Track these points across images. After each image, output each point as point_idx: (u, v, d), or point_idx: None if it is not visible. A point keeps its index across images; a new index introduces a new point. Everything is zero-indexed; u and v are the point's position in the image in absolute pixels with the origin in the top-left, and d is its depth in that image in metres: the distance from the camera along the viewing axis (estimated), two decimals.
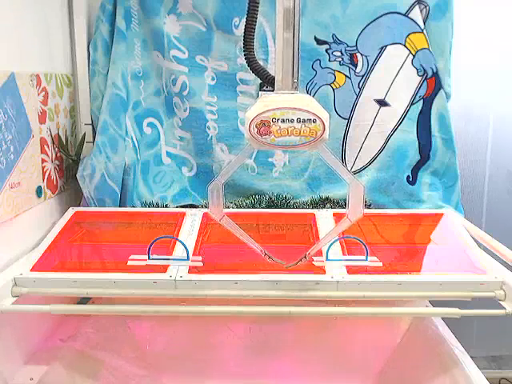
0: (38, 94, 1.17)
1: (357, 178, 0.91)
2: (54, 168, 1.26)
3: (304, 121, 0.82)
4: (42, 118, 1.19)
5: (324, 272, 1.00)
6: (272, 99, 0.85)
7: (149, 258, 1.02)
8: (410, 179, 1.39)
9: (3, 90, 1.01)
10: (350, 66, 1.37)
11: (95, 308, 1.01)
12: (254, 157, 1.41)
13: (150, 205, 1.35)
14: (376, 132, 1.39)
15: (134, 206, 1.33)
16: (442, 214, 1.28)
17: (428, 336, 1.15)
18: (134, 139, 1.35)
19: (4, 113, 1.02)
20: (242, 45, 0.98)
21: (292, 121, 0.82)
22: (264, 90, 1.38)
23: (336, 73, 1.38)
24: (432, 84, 1.36)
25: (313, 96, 1.38)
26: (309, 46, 1.35)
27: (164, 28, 1.34)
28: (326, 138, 0.84)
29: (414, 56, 1.35)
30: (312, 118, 0.82)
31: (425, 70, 1.36)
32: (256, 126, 0.83)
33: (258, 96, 1.38)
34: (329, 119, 0.84)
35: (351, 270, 1.00)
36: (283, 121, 0.82)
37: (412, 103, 1.38)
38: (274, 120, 0.82)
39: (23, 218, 1.10)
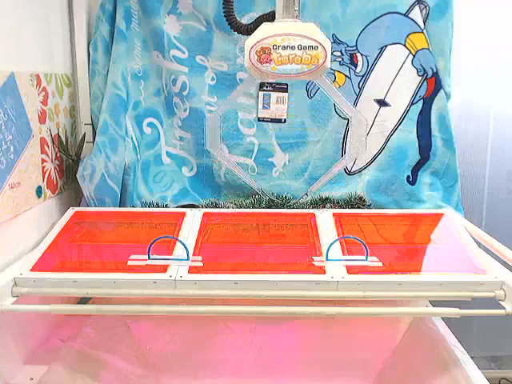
0: (38, 94, 1.17)
1: (359, 112, 0.91)
2: (54, 168, 1.26)
3: (306, 48, 0.80)
4: (42, 118, 1.19)
5: (324, 272, 1.00)
6: (273, 26, 0.81)
7: (149, 257, 1.02)
8: (410, 179, 1.39)
9: (3, 90, 1.01)
10: (350, 66, 1.37)
11: (95, 308, 1.01)
12: (254, 157, 1.41)
13: (150, 205, 1.35)
14: (376, 132, 1.39)
15: (134, 206, 1.33)
16: (441, 214, 1.28)
17: (428, 336, 1.15)
18: (134, 139, 1.35)
19: (4, 113, 1.02)
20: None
21: (293, 47, 0.80)
22: (264, 90, 1.39)
23: (336, 73, 1.38)
24: (432, 84, 1.36)
25: (313, 96, 1.39)
26: None
27: (164, 28, 1.34)
28: (328, 67, 0.82)
29: (414, 56, 1.35)
30: (314, 44, 0.80)
31: (425, 70, 1.36)
32: (256, 54, 0.80)
33: (258, 96, 1.39)
34: (330, 47, 0.82)
35: (351, 270, 1.00)
36: (284, 48, 0.80)
37: (412, 103, 1.38)
38: (274, 47, 0.79)
39: (23, 218, 1.10)
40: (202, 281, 0.98)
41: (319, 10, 1.33)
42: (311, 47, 0.80)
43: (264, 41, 0.79)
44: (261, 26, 0.82)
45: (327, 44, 0.80)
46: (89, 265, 1.08)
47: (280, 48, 0.80)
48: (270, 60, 0.80)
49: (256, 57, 0.80)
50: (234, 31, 0.91)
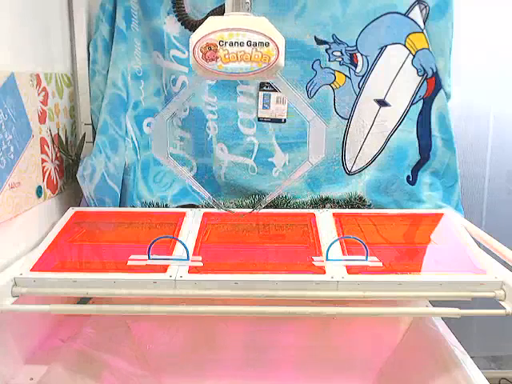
0: (38, 94, 1.17)
1: (319, 116, 0.87)
2: (54, 168, 1.26)
3: (255, 44, 0.73)
4: (42, 118, 1.19)
5: (324, 272, 1.00)
6: (220, 20, 0.74)
7: (149, 257, 1.02)
8: (410, 179, 1.40)
9: (3, 90, 1.01)
10: (350, 65, 1.37)
11: (95, 308, 1.01)
12: (254, 157, 1.41)
13: (150, 205, 1.35)
14: (376, 132, 1.39)
15: (134, 206, 1.33)
16: (441, 214, 1.28)
17: (428, 336, 1.15)
18: (134, 139, 1.35)
19: (4, 113, 1.02)
20: None
21: (242, 44, 0.73)
22: (264, 90, 1.39)
23: (336, 73, 1.38)
24: (432, 84, 1.36)
25: (313, 96, 1.39)
26: (309, 46, 1.35)
27: (164, 28, 1.33)
28: (281, 65, 0.76)
29: (414, 56, 1.35)
30: (264, 40, 0.73)
31: (425, 70, 1.36)
32: (201, 51, 0.73)
33: (258, 96, 1.39)
34: (284, 44, 0.75)
35: (351, 270, 1.00)
36: (232, 44, 0.73)
37: (412, 103, 1.38)
38: (221, 43, 0.73)
39: (23, 218, 1.10)
40: (202, 281, 0.98)
41: (319, 10, 1.33)
42: (261, 43, 0.73)
43: (209, 36, 0.72)
44: (207, 21, 0.75)
45: (280, 40, 0.74)
46: (89, 265, 1.08)
47: (227, 44, 0.73)
48: (217, 57, 0.74)
49: (201, 54, 0.74)
50: (186, 28, 0.86)
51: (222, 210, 0.93)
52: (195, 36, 0.73)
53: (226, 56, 0.74)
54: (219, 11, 0.81)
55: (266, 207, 1.36)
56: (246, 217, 1.28)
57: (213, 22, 0.73)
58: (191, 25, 0.80)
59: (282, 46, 0.74)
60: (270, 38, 0.73)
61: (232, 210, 0.93)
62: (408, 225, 1.30)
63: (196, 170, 1.43)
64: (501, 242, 1.11)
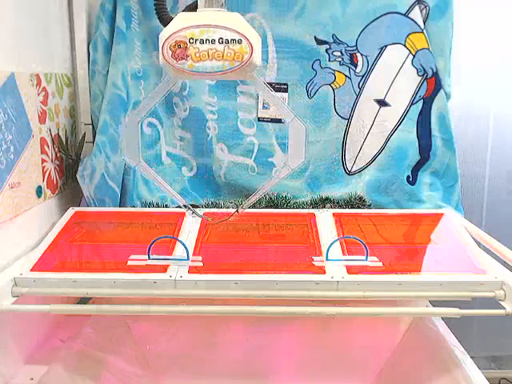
0: (38, 94, 1.17)
1: (299, 118, 0.83)
2: (54, 168, 1.26)
3: (227, 41, 0.70)
4: (42, 118, 1.19)
5: (324, 272, 1.00)
6: (190, 16, 0.71)
7: (149, 258, 1.02)
8: (410, 179, 1.39)
9: (3, 90, 1.01)
10: (350, 66, 1.37)
11: (95, 308, 1.01)
12: (254, 157, 1.41)
13: (150, 205, 1.35)
14: (376, 132, 1.39)
15: (134, 206, 1.33)
16: (441, 214, 1.28)
17: (428, 336, 1.15)
18: None
19: (4, 113, 1.02)
20: None
21: (213, 41, 0.70)
22: None
23: (336, 73, 1.38)
24: (432, 84, 1.36)
25: (313, 96, 1.39)
26: (309, 46, 1.35)
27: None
28: (257, 64, 0.72)
29: (414, 56, 1.35)
30: (237, 37, 0.70)
31: (425, 70, 1.36)
32: (170, 49, 0.70)
33: (258, 96, 1.39)
34: (260, 42, 0.72)
35: (351, 270, 1.00)
36: (202, 41, 0.69)
37: (412, 103, 1.38)
38: (191, 40, 0.69)
39: (23, 218, 1.10)
40: (201, 281, 0.98)
41: (319, 10, 1.33)
42: (234, 41, 0.70)
43: (179, 33, 0.69)
44: (176, 17, 0.72)
45: (254, 38, 0.70)
46: (89, 265, 1.08)
47: (198, 42, 0.69)
48: (187, 56, 0.70)
49: (170, 52, 0.70)
50: (165, 26, 0.83)
51: (199, 217, 0.92)
52: (164, 33, 0.71)
53: (197, 54, 0.70)
54: (193, 7, 0.77)
55: (266, 207, 1.37)
56: (246, 217, 1.28)
57: (183, 19, 0.70)
58: (168, 21, 0.77)
59: (256, 44, 0.71)
60: (243, 35, 0.70)
61: (209, 218, 0.93)
62: (408, 225, 1.30)
63: (196, 170, 1.43)
64: (501, 241, 1.11)
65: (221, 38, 0.70)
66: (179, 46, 0.70)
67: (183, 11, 0.77)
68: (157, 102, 0.80)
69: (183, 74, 0.71)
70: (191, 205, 1.37)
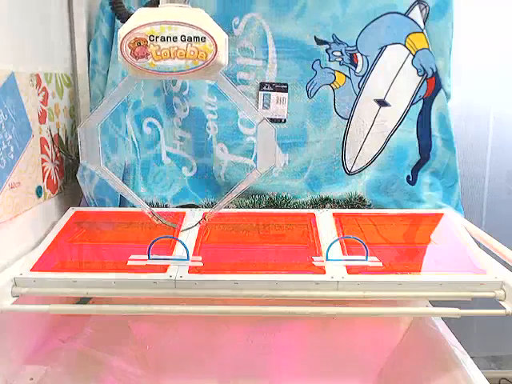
0: (38, 94, 1.17)
1: (268, 120, 0.80)
2: (54, 168, 1.26)
3: (190, 39, 0.66)
4: (42, 118, 1.19)
5: (324, 272, 1.00)
6: (151, 12, 0.67)
7: (149, 258, 1.02)
8: (410, 179, 1.39)
9: (3, 90, 1.01)
10: (350, 66, 1.37)
11: (95, 308, 1.01)
12: (253, 157, 1.41)
13: (150, 205, 1.35)
14: (376, 132, 1.39)
15: (134, 206, 1.33)
16: (441, 214, 1.28)
17: (428, 336, 1.15)
18: (134, 139, 1.35)
19: (4, 113, 1.02)
20: None
21: (175, 39, 0.66)
22: (264, 90, 1.39)
23: (336, 73, 1.38)
24: (432, 84, 1.36)
25: (313, 96, 1.39)
26: (309, 46, 1.35)
27: None
28: (222, 64, 0.69)
29: (414, 56, 1.35)
30: (200, 35, 0.66)
31: (425, 70, 1.36)
32: (129, 46, 0.66)
33: (258, 96, 1.39)
34: (227, 40, 0.69)
35: (351, 270, 1.00)
36: (163, 39, 0.66)
37: (412, 103, 1.38)
38: (151, 38, 0.66)
39: (23, 218, 1.10)
40: (201, 281, 0.98)
41: (319, 10, 1.33)
42: (197, 38, 0.66)
43: (138, 30, 0.65)
44: (136, 12, 0.68)
45: (219, 35, 0.66)
46: (89, 265, 1.08)
47: (158, 39, 0.66)
48: (147, 54, 0.66)
49: (129, 50, 0.66)
50: (122, 22, 0.78)
51: (165, 224, 0.92)
52: (123, 30, 0.66)
53: (158, 53, 0.66)
54: (155, 2, 0.75)
55: (266, 207, 1.37)
56: (245, 217, 1.28)
57: (143, 15, 0.66)
58: (127, 18, 0.73)
59: (221, 42, 0.67)
60: (207, 33, 0.66)
61: (174, 225, 0.92)
62: (408, 225, 1.30)
63: (196, 170, 1.43)
64: (501, 242, 1.11)
65: (183, 36, 0.66)
66: (139, 44, 0.66)
67: (144, 6, 0.74)
68: (117, 103, 0.76)
69: (143, 73, 0.67)
70: (191, 205, 1.38)
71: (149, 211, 0.95)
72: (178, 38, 0.66)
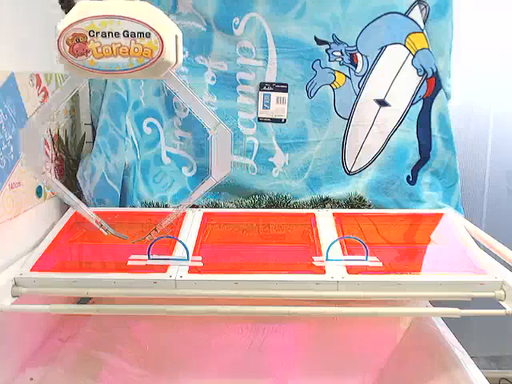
0: (38, 94, 1.17)
1: (224, 123, 0.75)
2: (54, 168, 1.26)
3: (134, 35, 0.61)
4: None
5: (324, 272, 1.00)
6: (90, 5, 0.62)
7: (149, 258, 1.02)
8: (410, 179, 1.40)
9: (3, 90, 1.01)
10: (350, 66, 1.37)
11: (95, 308, 1.01)
12: (254, 157, 1.41)
13: (150, 205, 1.35)
14: (376, 132, 1.39)
15: (133, 206, 1.33)
16: (441, 214, 1.28)
17: (428, 336, 1.15)
18: (134, 139, 1.35)
19: (4, 113, 1.02)
20: None
21: (117, 35, 0.61)
22: (264, 90, 1.39)
23: (336, 73, 1.38)
24: (432, 84, 1.36)
25: (313, 96, 1.39)
26: (309, 46, 1.35)
27: None
28: (171, 62, 0.64)
29: (414, 56, 1.35)
30: (145, 30, 0.61)
31: (425, 70, 1.36)
32: (67, 43, 0.61)
33: (258, 96, 1.39)
34: (180, 37, 0.64)
35: (351, 270, 1.00)
36: (105, 34, 0.61)
37: (412, 103, 1.38)
38: (91, 33, 0.61)
39: (23, 218, 1.10)
40: (201, 281, 0.98)
41: (319, 10, 1.33)
42: (141, 34, 0.60)
43: (77, 25, 0.59)
44: (76, 5, 0.62)
45: (166, 30, 0.61)
46: (89, 265, 1.08)
47: (99, 35, 0.60)
48: (87, 51, 0.61)
49: (68, 47, 0.61)
50: (66, 13, 0.73)
51: (113, 235, 0.92)
52: (61, 25, 0.61)
53: (99, 50, 0.61)
54: None
55: (266, 207, 1.37)
56: (245, 217, 1.28)
57: (82, 8, 0.60)
58: (70, 7, 0.68)
59: (168, 38, 0.61)
60: (152, 28, 0.60)
61: (124, 236, 0.92)
62: (408, 225, 1.30)
63: (196, 170, 1.43)
64: (501, 242, 1.11)
65: (126, 31, 0.61)
66: (78, 40, 0.61)
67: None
68: (60, 104, 0.71)
69: (83, 71, 0.62)
70: (191, 205, 1.37)
71: (98, 222, 0.92)
72: (121, 34, 0.61)
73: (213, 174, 0.78)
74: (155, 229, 0.87)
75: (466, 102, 1.53)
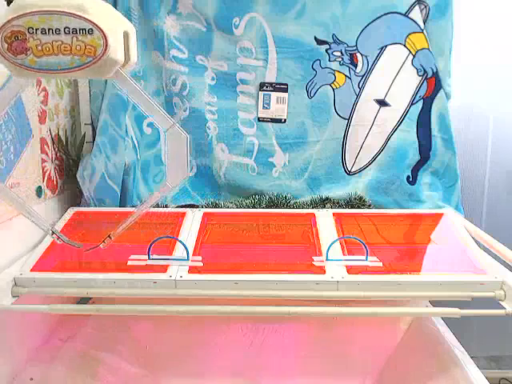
0: (38, 94, 1.17)
1: (179, 126, 0.72)
2: (54, 168, 1.26)
3: (75, 31, 0.57)
4: (42, 118, 1.19)
5: (324, 272, 1.00)
6: (30, 0, 0.57)
7: (149, 258, 1.02)
8: (410, 179, 1.40)
9: None
10: (350, 66, 1.37)
11: (95, 308, 1.01)
12: (254, 157, 1.41)
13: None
14: (376, 132, 1.39)
15: (133, 206, 1.33)
16: (441, 214, 1.28)
17: (428, 336, 1.15)
18: (134, 139, 1.35)
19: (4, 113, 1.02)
20: None
21: (58, 31, 0.57)
22: (264, 90, 1.39)
23: (336, 73, 1.38)
24: (432, 84, 1.37)
25: (313, 96, 1.39)
26: (309, 46, 1.35)
27: (164, 28, 1.34)
28: (118, 60, 0.60)
29: (414, 56, 1.35)
30: (87, 26, 0.57)
31: (425, 70, 1.36)
32: (5, 41, 0.58)
33: (258, 96, 1.39)
34: (130, 34, 0.60)
35: (351, 270, 1.00)
36: (45, 31, 0.57)
37: (412, 103, 1.38)
38: (30, 30, 0.57)
39: (23, 218, 1.10)
40: (201, 281, 0.98)
41: (319, 10, 1.33)
42: (83, 31, 0.56)
43: (15, 22, 0.55)
44: (14, 1, 0.58)
45: (111, 26, 0.57)
46: (89, 265, 1.08)
47: (39, 32, 0.56)
48: (26, 49, 0.58)
49: (6, 45, 0.58)
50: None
51: (66, 242, 0.91)
52: None
53: (39, 47, 0.57)
54: None
55: (266, 207, 1.37)
56: (245, 217, 1.28)
57: (20, 3, 0.56)
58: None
59: (114, 34, 0.57)
60: (94, 24, 0.56)
61: (79, 244, 0.91)
62: (408, 225, 1.30)
63: (196, 170, 1.43)
64: (501, 242, 1.11)
65: (67, 28, 0.57)
66: (16, 38, 0.57)
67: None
68: (6, 107, 0.67)
69: (23, 71, 0.58)
70: (191, 205, 1.38)
71: (50, 230, 0.89)
72: (62, 31, 0.57)
73: (168, 179, 0.74)
74: (109, 236, 0.85)
75: (465, 102, 1.53)
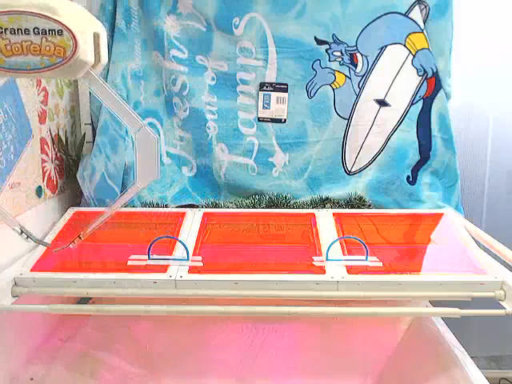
0: (38, 94, 1.17)
1: (148, 126, 0.71)
2: (54, 168, 1.26)
3: (45, 32, 0.58)
4: (42, 118, 1.19)
5: (324, 272, 1.00)
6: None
7: (149, 257, 1.02)
8: (410, 179, 1.40)
9: (3, 90, 1.01)
10: (350, 66, 1.37)
11: (95, 308, 1.01)
12: (254, 157, 1.41)
13: (150, 205, 1.35)
14: (376, 132, 1.39)
15: (134, 206, 1.33)
16: (441, 214, 1.28)
17: (428, 336, 1.15)
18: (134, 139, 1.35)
19: (4, 113, 1.02)
20: None
21: (27, 32, 0.58)
22: (264, 90, 1.39)
23: (336, 73, 1.38)
24: (432, 84, 1.37)
25: (313, 96, 1.39)
26: (309, 46, 1.35)
27: (164, 28, 1.34)
28: (88, 61, 0.60)
29: (414, 56, 1.35)
30: (56, 27, 0.57)
31: (425, 70, 1.36)
32: None
33: (258, 96, 1.39)
34: (101, 35, 0.61)
35: (351, 270, 1.00)
36: (14, 31, 0.58)
37: (412, 103, 1.38)
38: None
39: (23, 218, 1.10)
40: (202, 281, 0.98)
41: (319, 10, 1.33)
42: (53, 32, 0.57)
43: None
44: None
45: (81, 28, 0.57)
46: (89, 265, 1.08)
47: (8, 32, 0.57)
48: None
49: None
50: None
51: (36, 242, 0.91)
52: None
53: (8, 47, 0.58)
54: None
55: (266, 207, 1.37)
56: (245, 217, 1.28)
57: None
58: None
59: (84, 36, 0.57)
60: (64, 25, 0.56)
61: (47, 244, 0.90)
62: (408, 225, 1.30)
63: (196, 170, 1.43)
64: (501, 242, 1.11)
65: (36, 28, 0.57)
66: None
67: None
68: None
69: None
70: (191, 205, 1.38)
71: (19, 228, 0.89)
72: (31, 31, 0.58)
73: (138, 180, 0.74)
74: (79, 236, 0.84)
75: (465, 101, 1.53)
